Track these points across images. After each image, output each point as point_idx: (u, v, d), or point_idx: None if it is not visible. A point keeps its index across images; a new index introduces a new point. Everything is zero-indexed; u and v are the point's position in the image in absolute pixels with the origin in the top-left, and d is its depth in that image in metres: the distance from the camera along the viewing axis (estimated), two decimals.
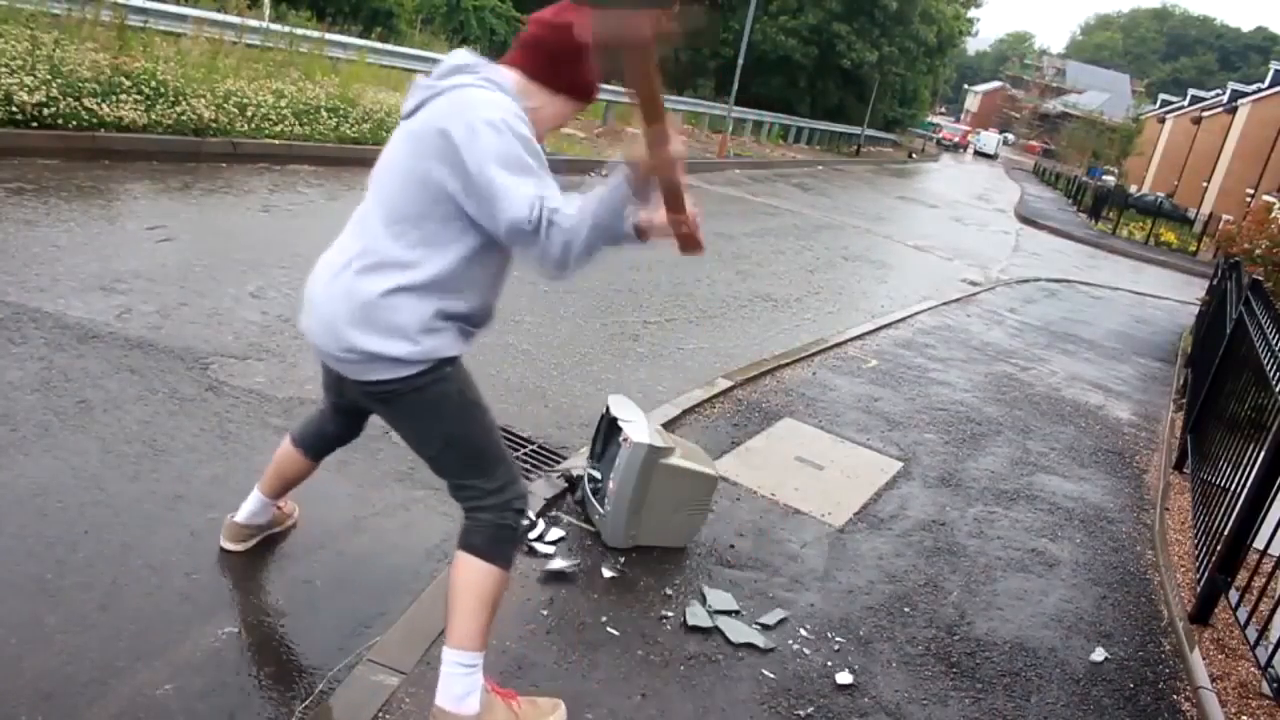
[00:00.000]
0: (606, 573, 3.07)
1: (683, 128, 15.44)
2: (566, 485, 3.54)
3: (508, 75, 2.04)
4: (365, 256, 2.03)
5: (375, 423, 3.63)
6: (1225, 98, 44.59)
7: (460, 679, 2.16)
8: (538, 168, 1.94)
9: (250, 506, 2.72)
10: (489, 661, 2.27)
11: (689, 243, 2.13)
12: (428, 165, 1.95)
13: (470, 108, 1.93)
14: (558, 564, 3.03)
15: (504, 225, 1.91)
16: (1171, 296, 14.92)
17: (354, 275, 2.03)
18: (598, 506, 3.27)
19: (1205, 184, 40.47)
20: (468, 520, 2.22)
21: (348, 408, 2.46)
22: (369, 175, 2.12)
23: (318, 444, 2.65)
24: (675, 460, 3.20)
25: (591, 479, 3.37)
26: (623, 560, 3.18)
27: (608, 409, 3.36)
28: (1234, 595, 3.54)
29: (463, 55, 2.07)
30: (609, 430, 3.33)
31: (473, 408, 2.18)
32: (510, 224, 1.89)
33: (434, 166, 1.95)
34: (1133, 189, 38.58)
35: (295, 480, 2.70)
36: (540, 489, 3.48)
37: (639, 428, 3.20)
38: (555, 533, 3.22)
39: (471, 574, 2.16)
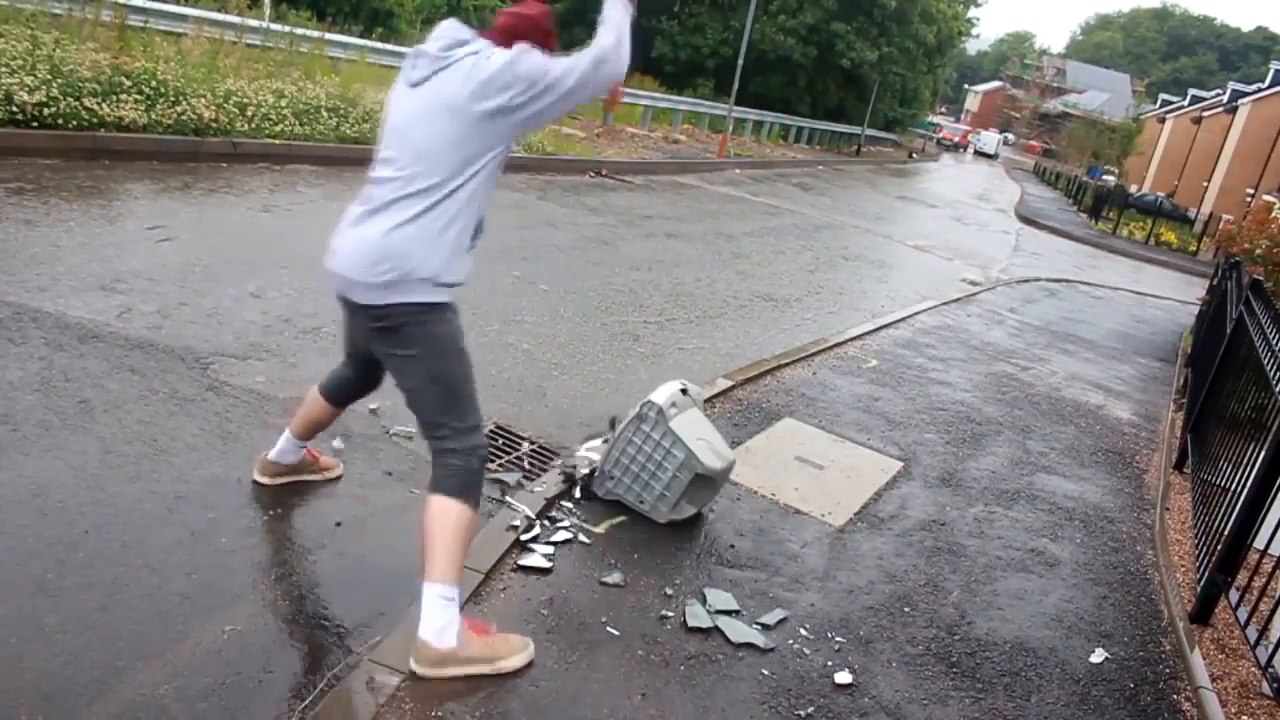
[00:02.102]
0: (607, 573, 3.07)
1: (682, 127, 15.47)
2: (566, 483, 3.55)
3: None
4: (400, 203, 2.36)
5: (375, 424, 3.64)
6: (1225, 98, 44.58)
7: (440, 611, 2.40)
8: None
9: (281, 444, 3.07)
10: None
11: None
12: (466, 136, 2.33)
13: (492, 64, 2.33)
14: (552, 564, 3.03)
15: (575, 85, 2.34)
16: (1172, 296, 14.92)
17: (390, 218, 2.36)
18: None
19: (1205, 184, 40.48)
20: (438, 467, 2.49)
21: (365, 356, 2.77)
22: (383, 131, 2.46)
23: (340, 390, 2.96)
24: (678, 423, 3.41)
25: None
26: (623, 561, 3.18)
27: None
28: (1234, 595, 3.54)
29: (457, 27, 2.44)
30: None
31: (460, 352, 2.50)
32: (580, 79, 2.34)
33: (475, 134, 2.33)
34: (1133, 189, 38.58)
35: (321, 424, 3.04)
36: (540, 489, 3.48)
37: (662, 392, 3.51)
38: (561, 534, 3.22)
39: (447, 514, 2.43)
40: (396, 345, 2.47)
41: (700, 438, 3.50)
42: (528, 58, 2.34)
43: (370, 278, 2.38)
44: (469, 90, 2.31)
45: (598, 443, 3.80)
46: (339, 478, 3.28)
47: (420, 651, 2.39)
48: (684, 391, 3.58)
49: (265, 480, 3.09)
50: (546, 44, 2.46)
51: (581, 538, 3.26)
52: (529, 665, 2.53)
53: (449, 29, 2.43)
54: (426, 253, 2.36)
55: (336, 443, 3.51)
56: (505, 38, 2.43)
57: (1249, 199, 31.95)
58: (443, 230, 2.37)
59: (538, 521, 3.25)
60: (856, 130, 34.47)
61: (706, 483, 3.51)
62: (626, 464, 3.46)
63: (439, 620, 2.39)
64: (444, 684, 2.40)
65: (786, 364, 5.81)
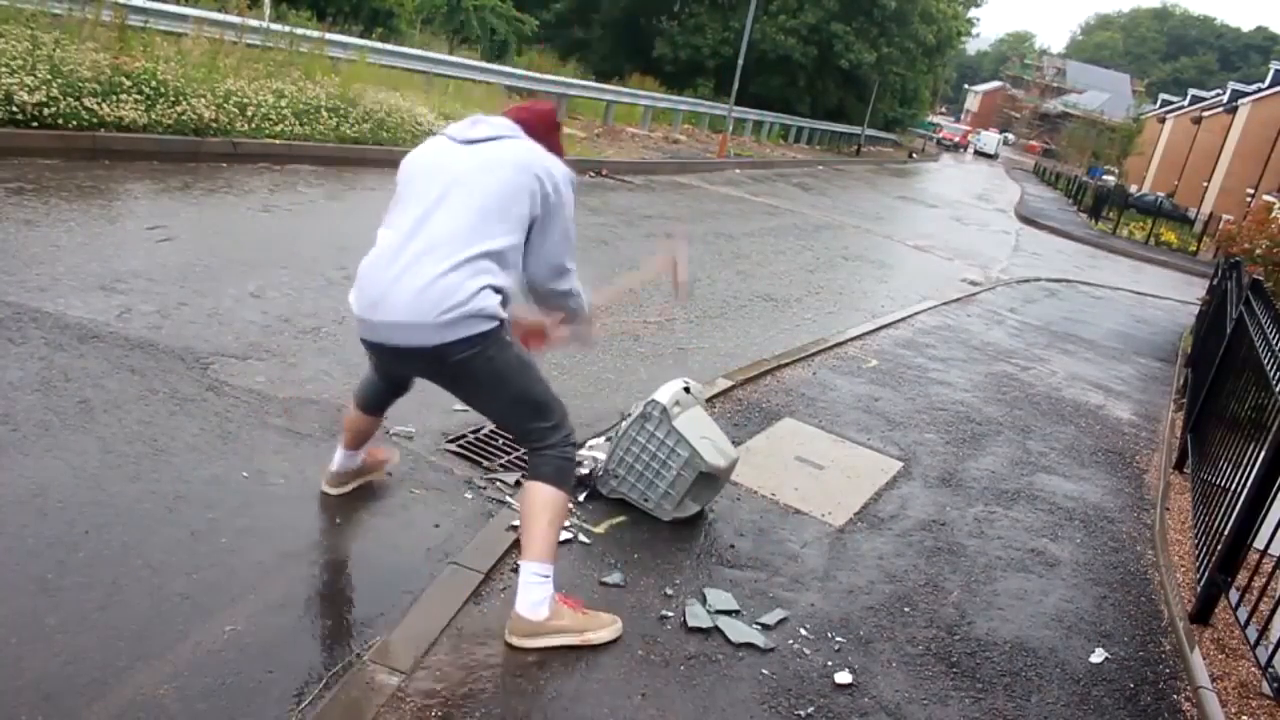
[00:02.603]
0: (607, 573, 3.07)
1: (683, 127, 15.49)
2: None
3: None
4: (453, 256, 2.42)
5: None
6: (1225, 98, 44.56)
7: (537, 587, 2.58)
8: None
9: (339, 458, 3.14)
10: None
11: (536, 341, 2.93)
12: (520, 194, 2.48)
13: (558, 165, 2.60)
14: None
15: (559, 263, 2.61)
16: (1172, 296, 14.91)
17: (446, 271, 2.42)
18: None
19: (1205, 184, 40.47)
20: (535, 457, 2.65)
21: (397, 377, 2.93)
22: (424, 177, 2.55)
23: (373, 400, 3.02)
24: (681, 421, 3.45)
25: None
26: (623, 561, 3.18)
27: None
28: (1234, 595, 3.54)
29: (509, 121, 2.67)
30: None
31: (527, 367, 2.61)
32: (564, 267, 2.63)
33: (526, 196, 2.48)
34: (1133, 189, 38.56)
35: (367, 434, 3.11)
36: None
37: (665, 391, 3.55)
38: (560, 534, 3.22)
39: (545, 497, 2.60)
40: (469, 384, 2.62)
41: (704, 436, 3.50)
42: (573, 196, 2.62)
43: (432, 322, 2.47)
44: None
45: (600, 441, 3.80)
46: (389, 476, 3.37)
47: (515, 624, 2.59)
48: (687, 390, 3.58)
49: (334, 491, 3.15)
50: (553, 137, 2.72)
51: (581, 538, 3.26)
52: (616, 641, 2.70)
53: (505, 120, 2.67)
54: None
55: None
56: (543, 130, 2.69)
57: (1249, 199, 31.95)
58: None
59: None
60: (856, 130, 34.46)
61: (710, 480, 3.52)
62: (630, 463, 3.47)
63: (535, 595, 2.58)
64: (443, 684, 2.40)
65: (786, 364, 5.81)
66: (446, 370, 2.54)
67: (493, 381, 2.55)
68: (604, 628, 2.70)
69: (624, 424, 3.53)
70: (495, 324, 2.46)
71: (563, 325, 2.88)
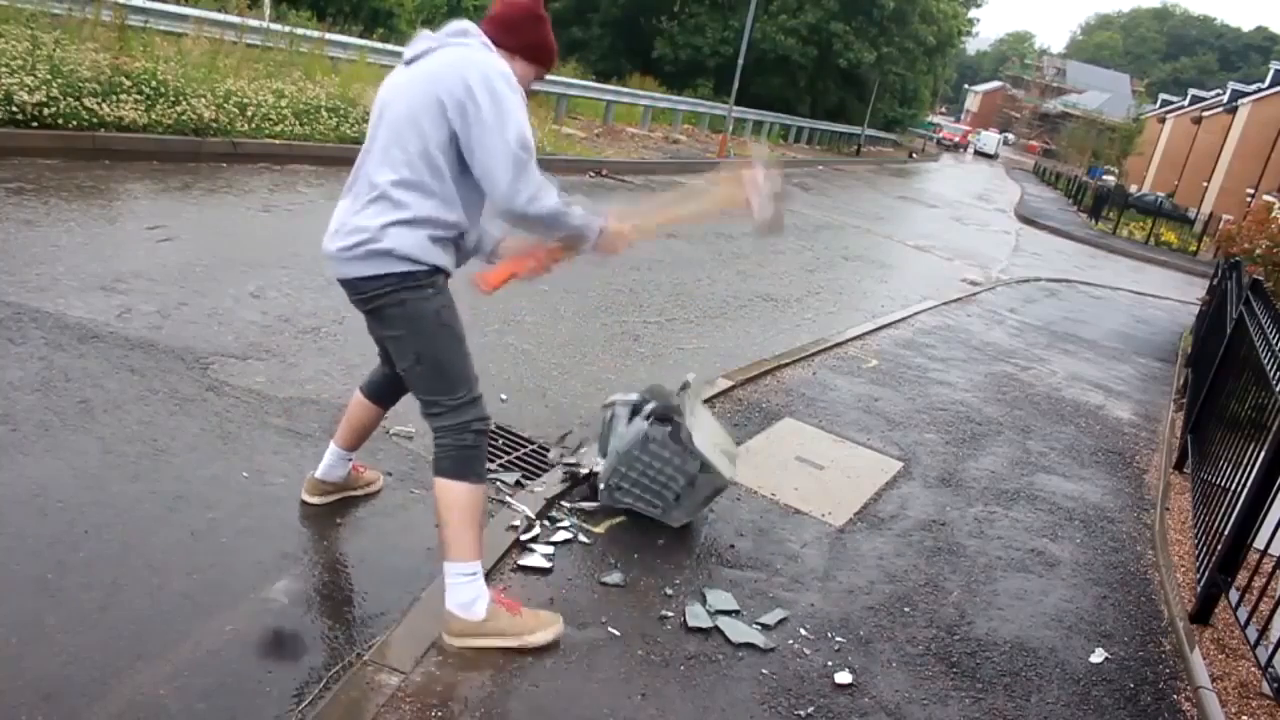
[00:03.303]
0: (607, 573, 3.07)
1: (683, 127, 15.47)
2: (569, 481, 3.54)
3: (483, 41, 2.44)
4: (368, 191, 2.37)
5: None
6: (1225, 98, 44.56)
7: (464, 587, 2.48)
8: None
9: (327, 461, 3.03)
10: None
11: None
12: (426, 110, 2.30)
13: (484, 64, 2.32)
14: (552, 564, 3.03)
15: (502, 182, 2.30)
16: (1172, 296, 14.92)
17: (361, 208, 2.37)
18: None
19: (1205, 184, 40.47)
20: (435, 447, 2.49)
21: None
22: (374, 109, 2.47)
23: (379, 389, 2.93)
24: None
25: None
26: (623, 561, 3.18)
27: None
28: (1234, 595, 3.54)
29: (465, 22, 2.46)
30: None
31: (445, 329, 2.45)
32: (512, 186, 2.30)
33: (433, 111, 2.29)
34: (1133, 189, 38.56)
35: (366, 428, 2.98)
36: (541, 489, 3.48)
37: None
38: (561, 534, 3.22)
39: (449, 494, 2.47)
40: (381, 324, 2.51)
41: (714, 444, 3.46)
42: (512, 95, 2.34)
43: (342, 252, 2.43)
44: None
45: (594, 447, 3.79)
46: (379, 491, 3.24)
47: (449, 623, 2.50)
48: (686, 386, 3.54)
49: (315, 500, 3.05)
50: (532, 32, 2.48)
51: (581, 538, 3.25)
52: (556, 643, 2.61)
53: (458, 22, 2.48)
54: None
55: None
56: (491, 28, 2.45)
57: (1249, 199, 31.94)
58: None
59: (538, 521, 3.25)
60: (856, 130, 34.47)
61: (720, 488, 3.49)
62: (635, 478, 3.38)
63: (464, 595, 2.49)
64: (443, 684, 2.40)
65: (786, 364, 5.81)
66: (370, 313, 2.49)
67: (403, 329, 2.44)
68: (544, 628, 2.60)
69: (619, 428, 3.45)
70: (411, 266, 2.36)
71: (565, 246, 2.59)
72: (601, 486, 3.45)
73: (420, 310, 2.41)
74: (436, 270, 2.42)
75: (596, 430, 4.07)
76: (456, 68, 2.30)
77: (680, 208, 2.97)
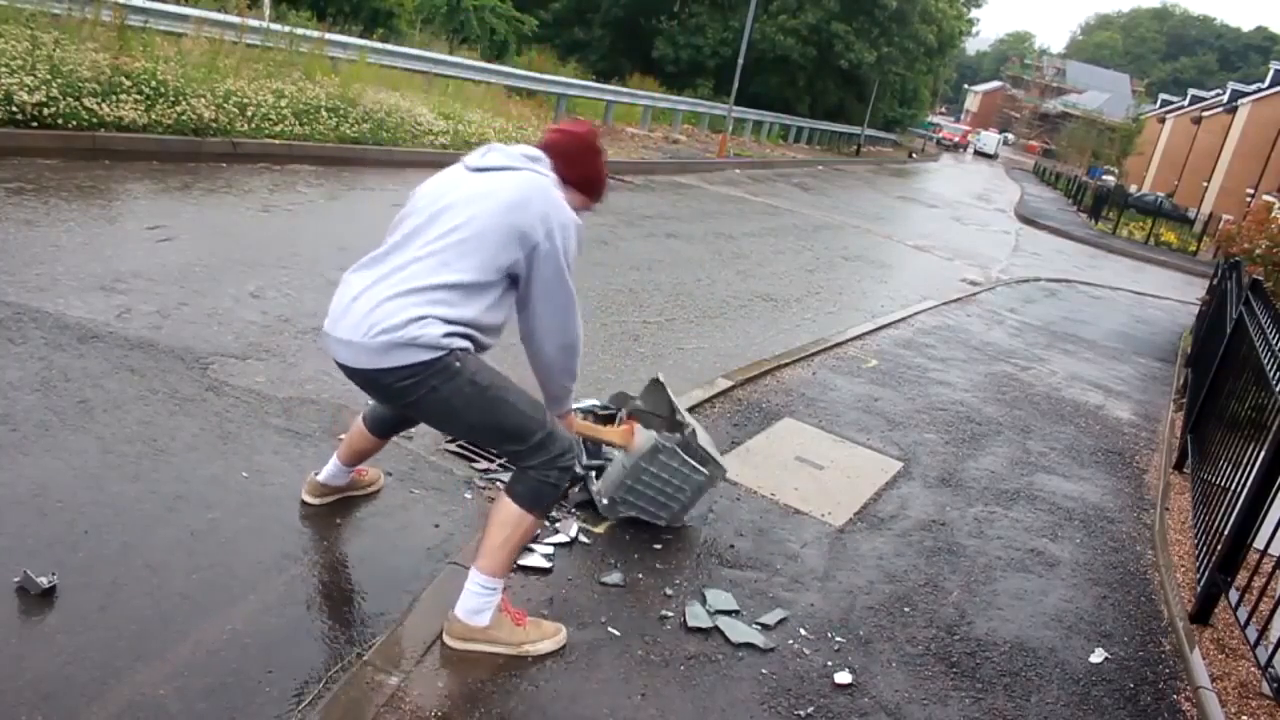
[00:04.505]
0: (607, 573, 3.07)
1: (682, 127, 15.43)
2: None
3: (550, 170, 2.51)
4: (408, 283, 2.32)
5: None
6: (1225, 97, 44.57)
7: (478, 598, 2.52)
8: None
9: (329, 469, 3.06)
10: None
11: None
12: (503, 235, 2.33)
13: (562, 213, 2.40)
14: (551, 564, 3.03)
15: (554, 327, 2.48)
16: (1171, 296, 14.92)
17: (393, 296, 2.32)
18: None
19: (1205, 184, 40.47)
20: (517, 470, 2.52)
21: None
22: (424, 200, 2.44)
23: (380, 425, 2.95)
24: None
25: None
26: (623, 561, 3.18)
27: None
28: (1234, 595, 3.54)
29: (535, 150, 2.51)
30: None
31: (489, 390, 2.39)
32: (566, 332, 2.50)
33: (510, 239, 2.33)
34: (1133, 189, 38.54)
35: (366, 453, 3.03)
36: None
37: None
38: (560, 536, 3.22)
39: (509, 515, 2.48)
40: (421, 413, 2.53)
41: (706, 438, 3.48)
42: (575, 245, 2.44)
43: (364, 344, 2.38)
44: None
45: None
46: (379, 490, 3.26)
47: (452, 625, 2.53)
48: (657, 383, 3.55)
49: (314, 501, 3.06)
50: (596, 167, 2.60)
51: (582, 538, 3.25)
52: (558, 651, 2.62)
53: (522, 148, 2.51)
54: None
55: (344, 437, 3.52)
56: (561, 160, 2.52)
57: (1249, 199, 31.95)
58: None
59: None
60: (856, 130, 34.47)
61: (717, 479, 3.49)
62: (641, 490, 3.32)
63: (475, 604, 2.52)
64: (443, 684, 2.40)
65: (786, 364, 5.81)
66: (392, 397, 2.43)
67: (442, 412, 2.42)
68: (547, 639, 2.61)
69: (620, 455, 3.36)
70: (438, 354, 2.29)
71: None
72: (604, 501, 3.35)
73: (453, 389, 2.35)
74: (457, 350, 2.36)
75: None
76: (541, 205, 2.36)
77: (596, 429, 3.25)
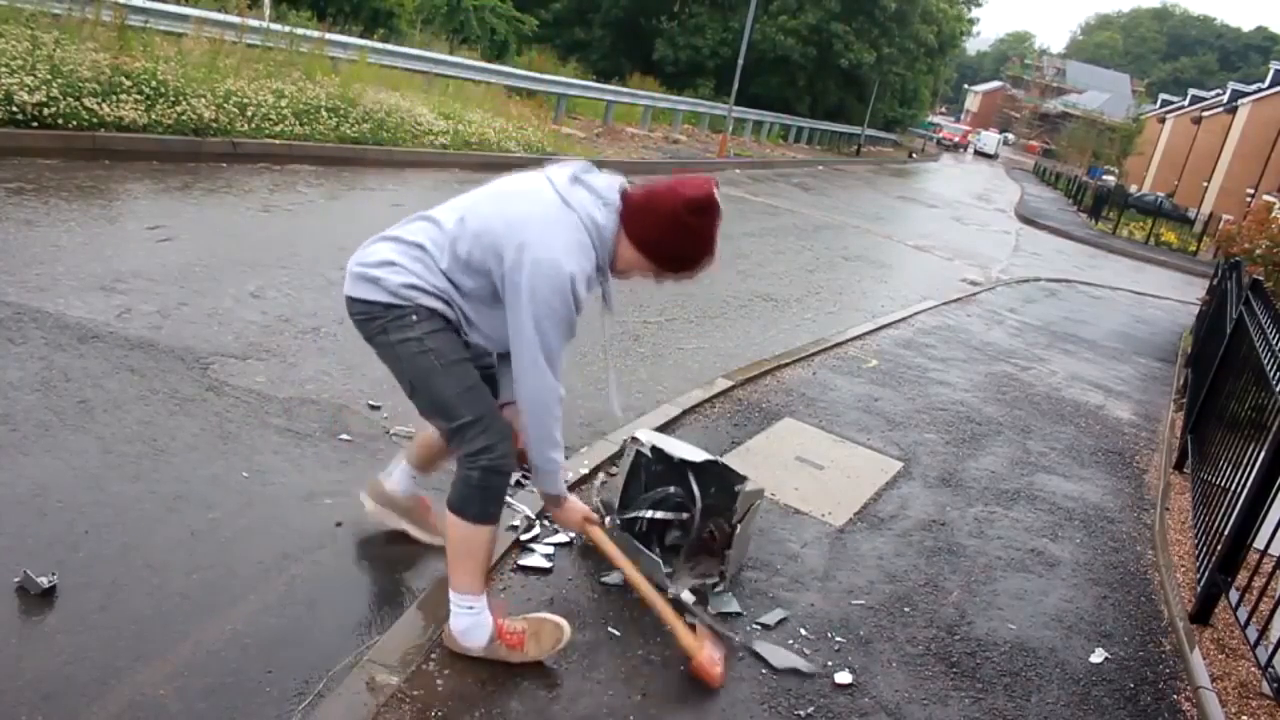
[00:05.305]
0: (607, 573, 3.07)
1: (683, 127, 15.31)
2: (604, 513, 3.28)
3: (614, 218, 2.30)
4: (405, 233, 2.35)
5: (376, 424, 3.64)
6: (1225, 98, 44.58)
7: (463, 617, 2.44)
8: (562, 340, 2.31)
9: (398, 474, 2.93)
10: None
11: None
12: (488, 244, 2.24)
13: (557, 256, 2.19)
14: (552, 564, 3.03)
15: (521, 372, 2.27)
16: (1172, 296, 14.92)
17: (383, 239, 2.36)
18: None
19: (1205, 184, 40.48)
20: (457, 469, 2.41)
21: None
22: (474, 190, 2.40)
23: None
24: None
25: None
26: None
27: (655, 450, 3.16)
28: (1234, 595, 3.54)
29: (609, 186, 2.32)
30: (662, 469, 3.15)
31: (434, 358, 2.33)
32: (527, 382, 2.28)
33: (490, 252, 2.24)
34: (1133, 189, 38.56)
35: (435, 451, 2.85)
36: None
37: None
38: (561, 534, 3.22)
39: (448, 528, 2.41)
40: (375, 349, 2.44)
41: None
42: (558, 299, 2.20)
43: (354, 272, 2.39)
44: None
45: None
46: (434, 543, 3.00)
47: (447, 636, 2.50)
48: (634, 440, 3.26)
49: (369, 504, 2.95)
50: (676, 244, 2.27)
51: (582, 538, 3.25)
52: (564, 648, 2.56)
53: (601, 175, 2.35)
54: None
55: (344, 437, 3.52)
56: (634, 212, 2.28)
57: (1249, 199, 31.95)
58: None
59: (538, 521, 3.24)
60: (856, 130, 34.47)
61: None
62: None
63: (463, 624, 2.46)
64: (443, 684, 2.40)
65: (786, 364, 5.81)
66: (358, 330, 2.42)
67: (390, 359, 2.39)
68: (543, 655, 2.52)
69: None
70: (395, 301, 2.29)
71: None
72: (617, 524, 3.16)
73: (401, 340, 2.33)
74: (421, 307, 2.32)
75: (596, 429, 4.08)
76: (522, 234, 2.19)
77: (645, 587, 2.66)
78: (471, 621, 2.45)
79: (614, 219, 2.29)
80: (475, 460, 2.34)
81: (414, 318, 2.31)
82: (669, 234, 2.27)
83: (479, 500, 2.37)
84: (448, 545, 2.42)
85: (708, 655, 2.59)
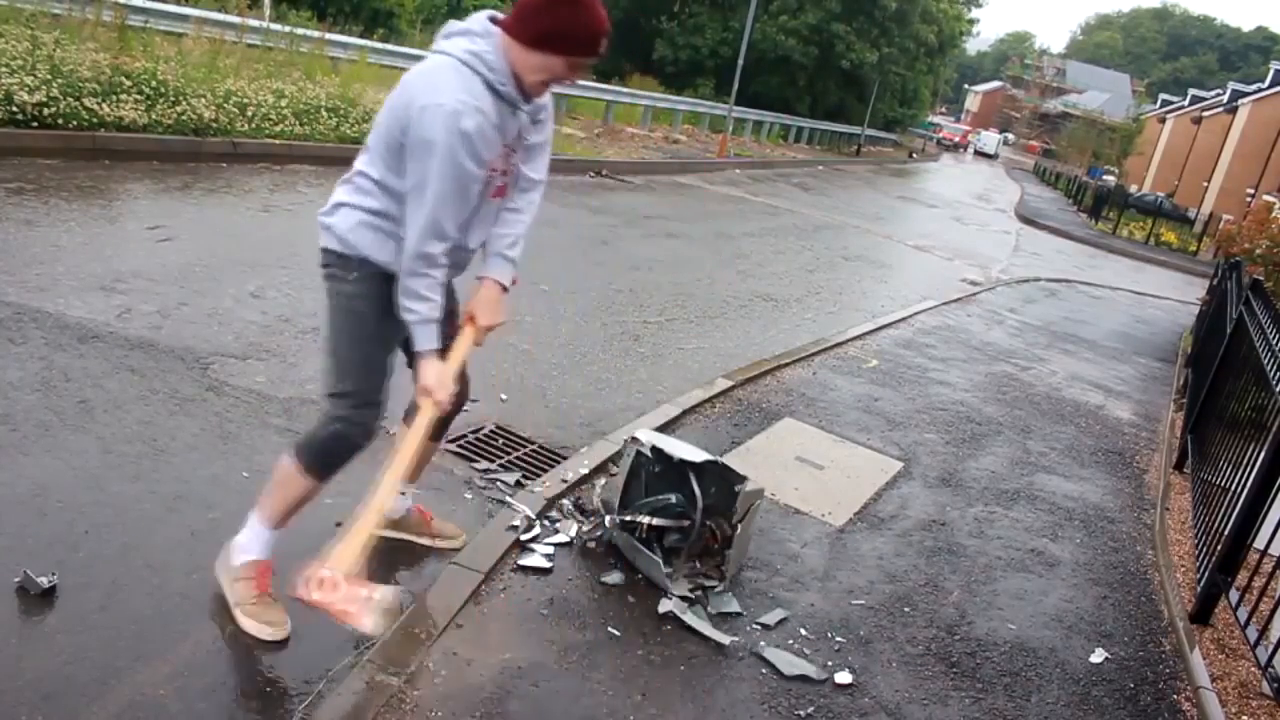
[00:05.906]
0: (607, 573, 3.07)
1: (683, 127, 15.25)
2: (581, 514, 3.35)
3: (495, 41, 2.23)
4: (350, 172, 2.38)
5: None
6: (1225, 97, 44.58)
7: (245, 531, 2.50)
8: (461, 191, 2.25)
9: None
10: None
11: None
12: (390, 118, 2.24)
13: (438, 94, 2.15)
14: (552, 564, 3.03)
15: (410, 226, 2.24)
16: (1172, 296, 14.91)
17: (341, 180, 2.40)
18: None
19: (1205, 184, 40.47)
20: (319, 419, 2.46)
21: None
22: None
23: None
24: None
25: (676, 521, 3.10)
26: (623, 561, 3.17)
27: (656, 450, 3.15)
28: (1234, 595, 3.54)
29: (477, 20, 2.26)
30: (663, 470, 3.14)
31: (354, 320, 2.38)
32: (410, 233, 2.24)
33: (394, 124, 2.23)
34: (1133, 189, 38.56)
35: (419, 457, 2.74)
36: (541, 489, 3.48)
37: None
38: (560, 536, 3.22)
39: (281, 465, 2.47)
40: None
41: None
42: (446, 146, 2.14)
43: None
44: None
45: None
46: (460, 549, 2.97)
47: (224, 548, 2.53)
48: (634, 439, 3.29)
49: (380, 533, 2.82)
50: (560, 17, 2.16)
51: (582, 538, 3.25)
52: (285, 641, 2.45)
53: (473, 18, 2.29)
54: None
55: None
56: (514, 15, 2.20)
57: (1249, 199, 31.95)
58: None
59: (538, 521, 3.25)
60: (856, 130, 34.46)
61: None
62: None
63: (241, 538, 2.50)
64: (443, 684, 2.40)
65: (786, 364, 5.81)
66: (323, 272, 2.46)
67: (327, 307, 2.42)
68: (261, 628, 2.43)
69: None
70: (344, 251, 2.32)
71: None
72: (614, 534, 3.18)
73: (337, 291, 2.39)
74: (365, 262, 2.33)
75: (596, 429, 4.07)
76: (409, 94, 2.19)
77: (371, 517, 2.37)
78: (248, 544, 2.49)
79: (493, 41, 2.22)
80: (333, 421, 2.40)
81: (355, 274, 2.35)
82: (547, 13, 2.16)
83: (317, 453, 2.43)
84: (273, 474, 2.48)
85: (351, 593, 2.21)
